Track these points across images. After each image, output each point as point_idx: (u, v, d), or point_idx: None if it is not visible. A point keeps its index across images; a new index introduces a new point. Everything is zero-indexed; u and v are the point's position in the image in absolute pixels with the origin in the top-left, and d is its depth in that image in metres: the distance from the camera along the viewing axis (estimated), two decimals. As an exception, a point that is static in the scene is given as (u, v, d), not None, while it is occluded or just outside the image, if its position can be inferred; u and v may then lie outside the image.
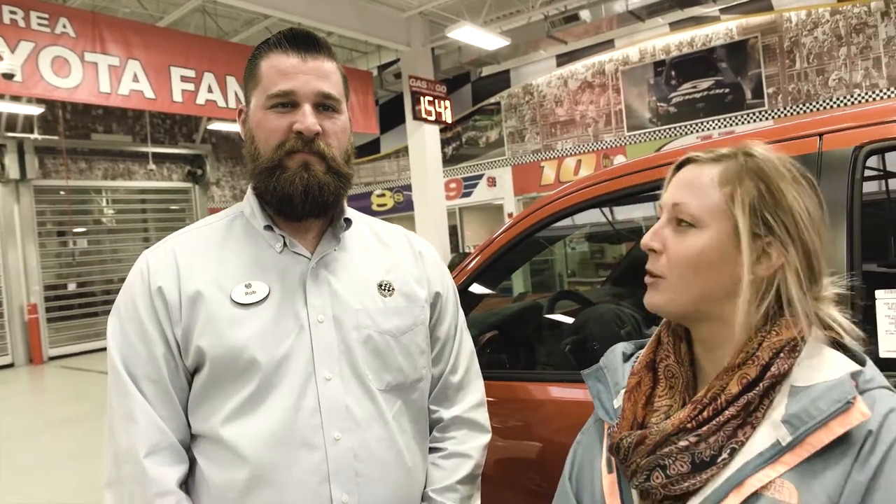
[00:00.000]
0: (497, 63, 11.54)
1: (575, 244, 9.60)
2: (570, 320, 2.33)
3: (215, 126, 12.28)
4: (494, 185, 12.05)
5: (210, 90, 7.81)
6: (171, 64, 7.41)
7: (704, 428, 0.76)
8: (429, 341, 1.16)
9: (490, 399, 1.28)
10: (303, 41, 1.05)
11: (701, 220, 0.81)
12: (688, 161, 0.86)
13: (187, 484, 1.00)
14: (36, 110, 9.81)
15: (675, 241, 0.82)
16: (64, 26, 6.51)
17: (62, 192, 10.99)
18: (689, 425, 0.77)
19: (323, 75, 1.04)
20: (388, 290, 1.11)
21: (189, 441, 1.02)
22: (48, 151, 10.76)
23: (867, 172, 1.27)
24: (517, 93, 11.79)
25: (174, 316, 1.00)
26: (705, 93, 9.70)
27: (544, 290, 8.90)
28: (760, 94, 9.23)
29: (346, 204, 1.15)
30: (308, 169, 1.03)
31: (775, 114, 9.13)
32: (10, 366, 10.15)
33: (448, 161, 12.18)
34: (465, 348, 1.24)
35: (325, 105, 1.05)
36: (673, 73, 9.99)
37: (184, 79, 7.54)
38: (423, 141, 9.87)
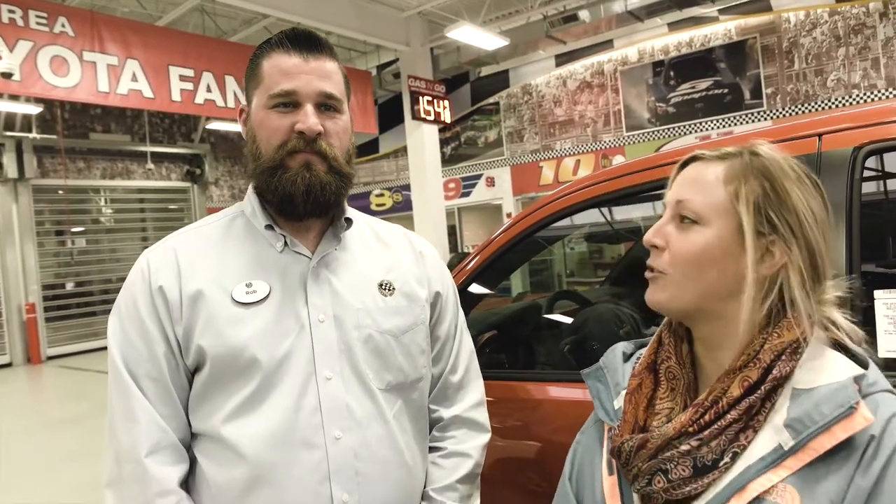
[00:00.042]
0: (496, 63, 11.55)
1: (574, 244, 9.61)
2: (569, 320, 2.33)
3: (214, 125, 12.27)
4: (493, 185, 12.06)
5: (209, 90, 7.82)
6: (170, 63, 7.41)
7: (706, 432, 0.75)
8: (429, 341, 1.16)
9: (489, 399, 1.29)
10: (305, 41, 1.05)
11: (704, 216, 0.80)
12: (693, 159, 0.86)
13: (188, 483, 1.00)
14: (34, 109, 9.80)
15: (678, 237, 0.82)
16: (63, 25, 6.51)
17: (60, 192, 10.98)
18: (690, 429, 0.76)
19: (325, 75, 1.05)
20: (389, 290, 1.11)
21: (189, 440, 1.02)
22: (46, 151, 10.75)
23: (866, 173, 1.27)
24: (516, 93, 11.80)
25: (175, 315, 1.00)
26: (704, 93, 9.71)
27: (543, 290, 8.90)
28: (759, 94, 9.24)
29: (346, 204, 1.15)
30: (310, 169, 1.03)
31: (774, 114, 9.14)
32: (9, 365, 10.14)
33: (447, 161, 12.19)
34: (465, 348, 1.24)
35: (326, 105, 1.05)
36: (672, 73, 10.01)
37: (182, 78, 7.55)
38: (421, 141, 9.87)
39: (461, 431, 1.17)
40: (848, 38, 8.55)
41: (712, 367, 0.83)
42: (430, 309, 1.17)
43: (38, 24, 6.33)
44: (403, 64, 10.10)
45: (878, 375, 0.75)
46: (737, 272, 0.79)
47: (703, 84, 9.70)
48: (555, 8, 9.48)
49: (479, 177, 12.25)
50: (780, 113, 9.09)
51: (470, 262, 1.93)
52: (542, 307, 2.52)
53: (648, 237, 0.85)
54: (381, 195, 13.52)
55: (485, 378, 1.29)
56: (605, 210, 2.65)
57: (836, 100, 8.67)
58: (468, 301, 1.93)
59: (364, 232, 1.19)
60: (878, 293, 1.18)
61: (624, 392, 0.89)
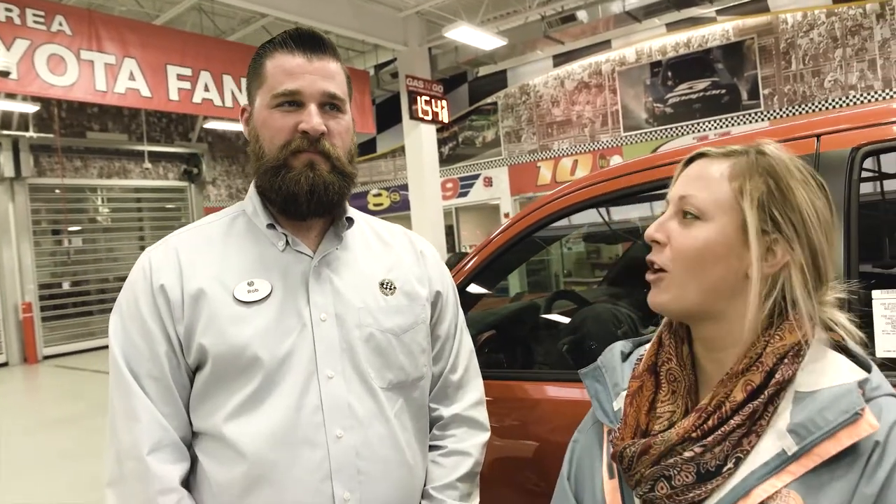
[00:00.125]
0: (494, 63, 11.55)
1: (571, 244, 9.62)
2: (567, 320, 2.34)
3: (211, 125, 12.24)
4: (491, 185, 12.06)
5: (206, 89, 7.80)
6: (168, 62, 7.40)
7: (710, 438, 0.74)
8: (429, 340, 1.17)
9: (488, 398, 1.29)
10: (308, 41, 1.05)
11: (707, 212, 0.80)
12: (698, 156, 0.86)
13: (188, 482, 1.00)
14: (31, 108, 9.77)
15: (680, 233, 0.81)
16: (60, 24, 6.49)
17: (57, 191, 10.94)
18: (694, 435, 0.75)
19: (328, 75, 1.05)
20: (390, 289, 1.12)
21: (190, 439, 1.02)
22: (43, 149, 10.72)
23: (864, 174, 1.28)
24: (514, 93, 11.80)
25: (176, 314, 1.00)
26: (701, 94, 9.72)
27: (541, 290, 8.91)
28: (756, 95, 9.26)
29: (347, 203, 1.15)
30: (313, 168, 1.03)
31: (771, 115, 9.16)
32: (5, 365, 10.10)
33: (444, 161, 12.18)
34: (465, 347, 1.25)
35: (330, 105, 1.06)
36: (669, 73, 10.02)
37: (180, 77, 7.53)
38: (419, 141, 9.87)
39: (461, 430, 1.18)
40: (845, 40, 8.57)
41: (713, 369, 0.82)
42: (431, 308, 1.18)
43: (35, 22, 6.32)
44: (401, 64, 10.09)
45: (882, 379, 0.75)
46: (739, 270, 0.78)
47: (701, 85, 9.72)
48: (553, 8, 9.48)
49: (476, 177, 12.25)
50: (778, 114, 9.10)
51: (469, 262, 1.93)
52: (540, 307, 2.53)
53: (650, 232, 0.84)
54: (379, 195, 13.51)
55: (483, 378, 1.29)
56: (602, 210, 2.66)
57: (834, 101, 8.70)
58: (466, 301, 1.93)
59: (365, 231, 1.19)
60: (875, 293, 1.19)
61: (623, 393, 0.88)
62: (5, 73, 6.04)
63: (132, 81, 7.04)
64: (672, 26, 9.89)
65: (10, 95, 8.83)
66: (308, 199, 1.03)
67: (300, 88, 1.03)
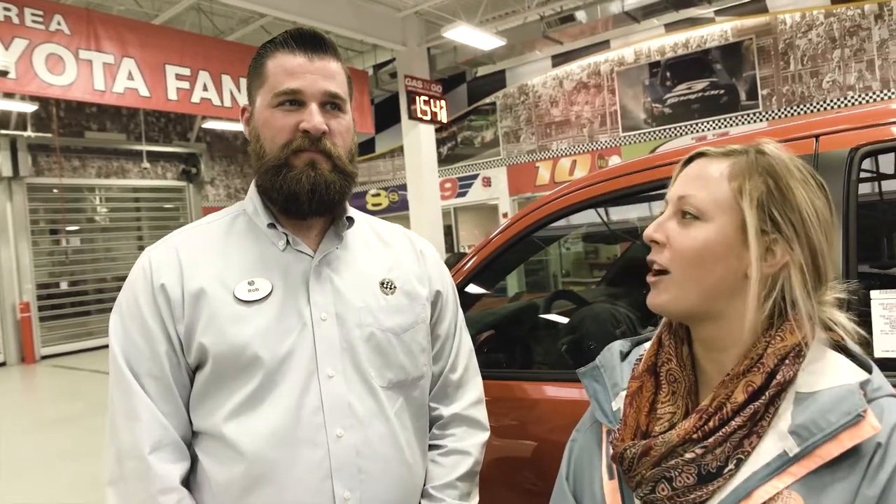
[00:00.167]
0: (492, 63, 11.55)
1: (570, 244, 9.62)
2: (566, 320, 2.34)
3: (210, 125, 12.21)
4: (489, 186, 12.06)
5: (205, 88, 7.80)
6: (166, 62, 7.39)
7: (711, 439, 0.74)
8: (429, 339, 1.17)
9: (487, 398, 1.29)
10: (309, 41, 1.05)
11: (706, 212, 0.79)
12: (697, 156, 0.85)
13: (189, 481, 1.00)
14: (29, 108, 9.75)
15: (680, 232, 0.81)
16: (58, 23, 6.48)
17: (55, 190, 10.92)
18: (695, 436, 0.75)
19: (329, 75, 1.05)
20: (390, 289, 1.12)
21: (190, 438, 1.02)
22: (41, 149, 10.70)
23: (863, 174, 1.28)
24: (512, 93, 11.81)
25: (177, 313, 1.00)
26: (700, 94, 9.74)
27: (539, 291, 8.91)
28: (755, 95, 9.28)
29: (348, 203, 1.15)
30: (315, 167, 1.03)
31: (770, 115, 9.17)
32: (3, 365, 10.08)
33: (443, 161, 12.18)
34: (465, 346, 1.25)
35: (331, 104, 1.06)
36: (668, 74, 10.03)
37: (179, 77, 7.52)
38: (418, 140, 9.87)
39: (461, 429, 1.18)
40: (843, 40, 8.59)
41: (713, 369, 0.82)
42: (431, 307, 1.18)
43: (33, 21, 6.31)
44: (400, 64, 10.09)
45: (882, 380, 0.74)
46: (738, 270, 0.78)
47: (700, 85, 9.73)
48: (551, 8, 9.49)
49: (475, 177, 12.25)
50: (776, 114, 9.12)
51: (468, 262, 1.93)
52: (539, 307, 2.53)
53: (649, 232, 0.83)
54: (378, 195, 13.50)
55: (482, 378, 1.29)
56: (601, 210, 2.66)
57: (832, 101, 8.71)
58: (465, 301, 1.93)
59: (365, 231, 1.19)
60: (874, 293, 1.19)
61: (622, 393, 0.88)
62: (4, 73, 6.03)
63: (131, 81, 7.04)
64: (671, 27, 9.89)
65: (9, 95, 8.82)
66: (309, 198, 1.03)
67: (301, 88, 1.03)
